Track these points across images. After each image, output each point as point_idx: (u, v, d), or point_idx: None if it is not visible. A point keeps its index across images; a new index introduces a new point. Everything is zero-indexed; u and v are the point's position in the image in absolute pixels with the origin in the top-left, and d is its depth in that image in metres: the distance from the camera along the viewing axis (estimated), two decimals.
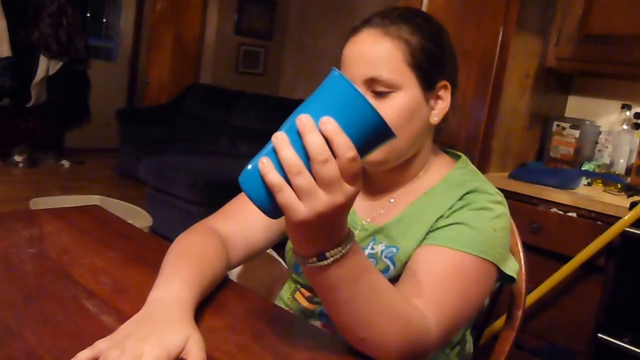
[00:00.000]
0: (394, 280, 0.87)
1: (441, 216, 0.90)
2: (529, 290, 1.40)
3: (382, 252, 0.93)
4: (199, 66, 6.08)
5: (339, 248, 0.65)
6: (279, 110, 4.84)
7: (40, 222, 1.16)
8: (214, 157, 4.26)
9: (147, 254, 1.02)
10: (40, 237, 1.06)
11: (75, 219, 1.19)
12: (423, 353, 0.77)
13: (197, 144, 5.06)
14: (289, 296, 1.07)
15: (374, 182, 1.01)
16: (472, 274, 0.84)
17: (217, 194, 3.37)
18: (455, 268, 0.83)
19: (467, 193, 0.91)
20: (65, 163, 5.63)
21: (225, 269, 0.97)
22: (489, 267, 0.86)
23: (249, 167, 0.64)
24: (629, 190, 1.90)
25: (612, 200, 1.79)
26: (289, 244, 1.02)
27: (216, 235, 0.96)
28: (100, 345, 0.66)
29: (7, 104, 5.55)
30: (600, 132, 2.22)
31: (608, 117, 2.27)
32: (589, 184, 2.06)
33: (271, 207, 0.63)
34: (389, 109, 0.87)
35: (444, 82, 0.93)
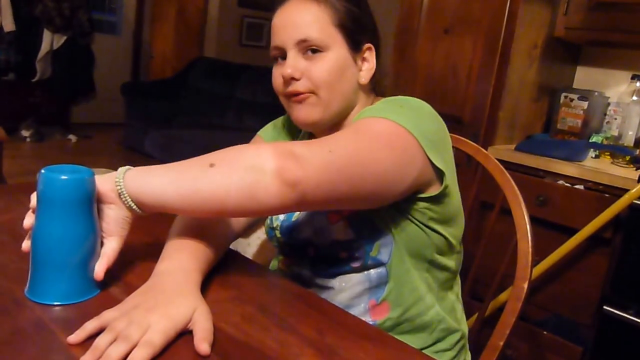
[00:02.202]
0: None
1: None
2: (535, 263, 1.40)
3: None
4: (203, 39, 6.03)
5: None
6: None
7: None
8: (221, 131, 4.25)
9: (152, 227, 1.03)
10: None
11: None
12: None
13: (203, 117, 5.04)
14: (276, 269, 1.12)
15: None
16: (378, 128, 0.85)
17: None
18: (359, 126, 0.86)
19: (387, 98, 0.97)
20: (72, 137, 5.64)
21: (230, 238, 1.02)
22: (406, 134, 0.85)
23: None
24: (638, 162, 1.88)
25: (620, 173, 1.77)
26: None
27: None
28: (107, 315, 0.67)
29: (13, 79, 5.55)
30: (609, 104, 2.18)
31: (617, 88, 2.23)
32: (597, 156, 2.04)
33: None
34: (320, 67, 0.94)
35: (368, 45, 1.00)
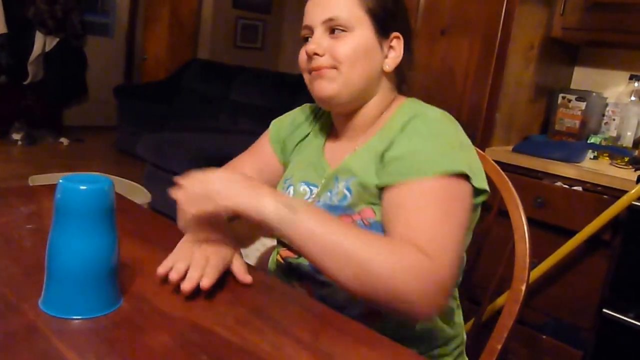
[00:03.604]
0: (351, 207, 0.95)
1: (390, 144, 0.93)
2: (533, 265, 1.38)
3: (343, 185, 0.99)
4: (197, 41, 6.01)
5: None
6: (280, 86, 4.79)
7: (39, 198, 1.18)
8: (214, 134, 4.22)
9: (146, 230, 1.05)
10: (39, 212, 1.08)
11: None
12: (437, 282, 0.79)
13: (197, 120, 5.02)
14: (273, 263, 1.13)
15: (339, 132, 1.08)
16: (446, 193, 0.87)
17: None
18: (428, 195, 0.86)
19: (412, 118, 0.94)
20: (64, 141, 5.60)
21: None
22: (459, 180, 0.88)
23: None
24: (636, 163, 1.87)
25: (619, 174, 1.75)
26: None
27: None
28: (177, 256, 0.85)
29: (4, 82, 5.51)
30: (607, 104, 2.17)
31: (615, 88, 2.22)
32: (595, 158, 2.02)
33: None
34: (343, 44, 0.95)
35: (396, 33, 1.01)
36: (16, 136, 5.28)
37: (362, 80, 0.97)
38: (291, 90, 4.62)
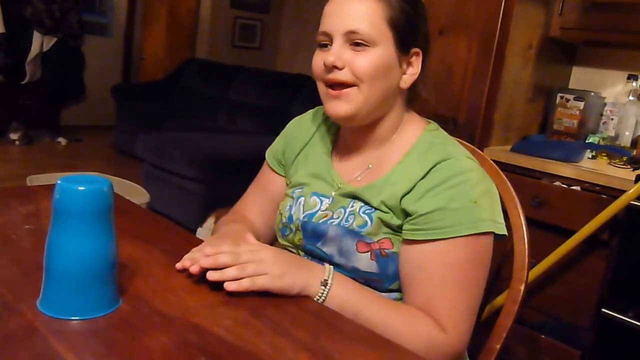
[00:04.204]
0: (370, 236, 0.94)
1: (412, 188, 0.92)
2: (531, 265, 1.38)
3: (360, 208, 0.98)
4: (195, 41, 6.00)
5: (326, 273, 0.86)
6: (278, 86, 4.78)
7: (37, 198, 1.18)
8: (212, 133, 4.22)
9: (144, 230, 1.04)
10: (37, 213, 1.08)
11: None
12: (447, 356, 0.87)
13: (195, 119, 5.01)
14: None
15: (349, 143, 1.06)
16: (469, 256, 0.88)
17: (215, 170, 3.34)
18: (452, 260, 0.88)
19: (437, 164, 0.92)
20: (62, 140, 5.59)
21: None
22: (484, 238, 0.89)
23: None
24: (635, 163, 1.87)
25: (617, 174, 1.75)
26: (278, 212, 1.11)
27: (248, 221, 1.13)
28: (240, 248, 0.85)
29: (2, 82, 5.49)
30: (605, 104, 2.17)
31: (613, 88, 2.22)
32: (594, 157, 2.02)
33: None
34: (366, 61, 0.92)
35: (416, 49, 0.98)
36: (14, 136, 5.27)
37: (380, 98, 0.95)
38: (289, 89, 4.61)
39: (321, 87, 0.98)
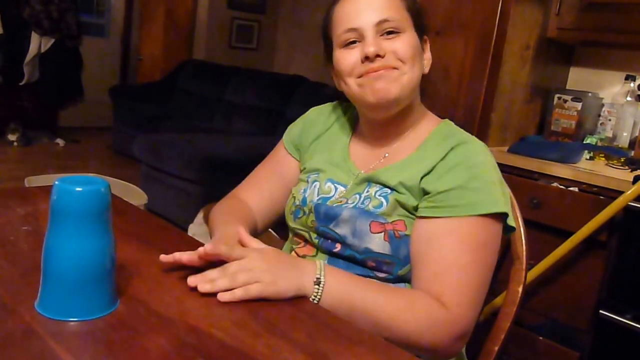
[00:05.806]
0: (384, 216, 0.95)
1: (432, 170, 0.94)
2: (529, 267, 1.38)
3: (376, 192, 0.99)
4: (192, 42, 5.99)
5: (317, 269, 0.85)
6: (275, 87, 4.78)
7: (35, 199, 1.18)
8: (209, 134, 4.22)
9: (142, 231, 1.04)
10: (35, 214, 1.07)
11: None
12: (451, 333, 0.86)
13: (192, 120, 5.01)
14: None
15: (367, 137, 1.09)
16: (481, 237, 0.90)
17: (212, 171, 3.34)
18: (465, 238, 0.89)
19: (456, 146, 0.96)
20: (60, 142, 5.58)
21: (253, 232, 1.10)
22: (496, 224, 0.92)
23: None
24: (633, 164, 1.87)
25: (615, 174, 1.75)
26: (291, 195, 1.12)
27: (245, 203, 1.14)
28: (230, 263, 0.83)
29: (0, 83, 5.48)
30: (603, 105, 2.17)
31: (611, 88, 2.22)
32: (591, 158, 2.02)
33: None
34: (404, 44, 0.96)
35: (425, 37, 1.04)
36: (12, 137, 5.26)
37: (417, 80, 1.00)
38: (285, 91, 4.61)
39: (356, 82, 0.98)
